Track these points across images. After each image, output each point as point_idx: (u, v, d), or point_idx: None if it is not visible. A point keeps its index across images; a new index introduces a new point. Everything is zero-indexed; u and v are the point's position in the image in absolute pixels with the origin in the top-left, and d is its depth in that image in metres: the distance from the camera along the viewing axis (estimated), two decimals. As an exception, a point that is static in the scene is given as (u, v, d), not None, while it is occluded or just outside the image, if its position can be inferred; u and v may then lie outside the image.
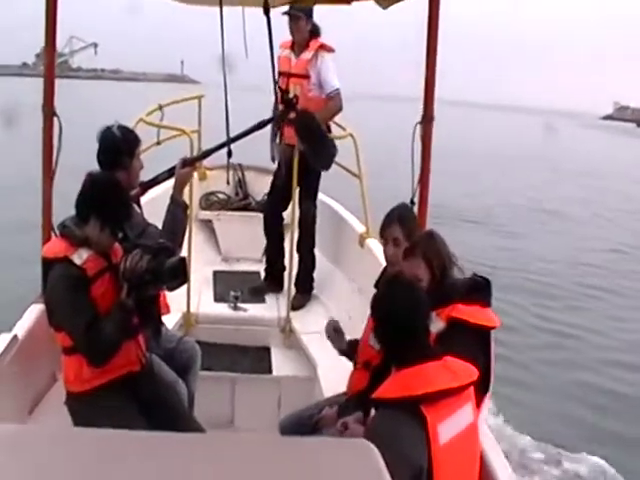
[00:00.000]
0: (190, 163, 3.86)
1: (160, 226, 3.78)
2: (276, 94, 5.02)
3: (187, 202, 3.91)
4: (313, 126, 4.23)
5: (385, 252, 3.52)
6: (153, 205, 4.25)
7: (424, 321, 2.63)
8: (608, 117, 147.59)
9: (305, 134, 4.32)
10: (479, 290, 3.04)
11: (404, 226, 3.42)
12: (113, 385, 3.39)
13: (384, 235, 3.49)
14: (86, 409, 3.40)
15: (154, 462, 1.53)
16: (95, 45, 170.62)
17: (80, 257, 3.26)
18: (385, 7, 4.52)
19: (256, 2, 3.88)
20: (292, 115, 4.40)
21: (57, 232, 3.53)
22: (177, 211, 3.76)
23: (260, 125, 4.26)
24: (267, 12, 3.48)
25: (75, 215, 3.36)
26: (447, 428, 2.46)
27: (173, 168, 3.92)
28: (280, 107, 5.47)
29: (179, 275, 3.31)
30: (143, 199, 4.11)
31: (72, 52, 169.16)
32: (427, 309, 2.67)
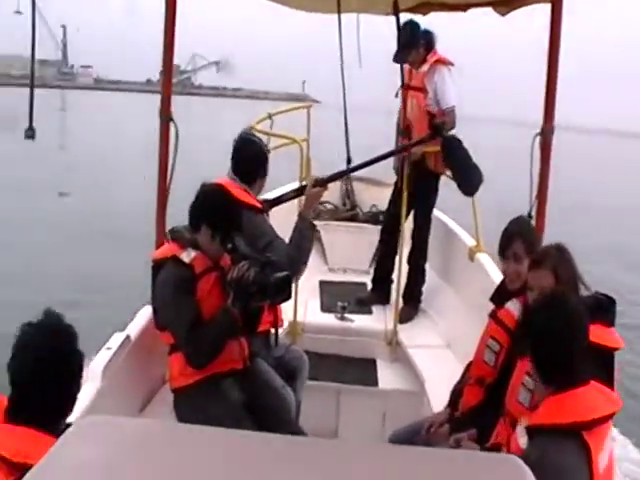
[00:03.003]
0: (321, 183, 3.88)
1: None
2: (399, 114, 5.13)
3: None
4: (460, 152, 4.19)
5: (505, 268, 3.35)
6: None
7: (585, 342, 2.45)
8: None
9: (452, 160, 4.29)
10: (602, 309, 2.88)
11: (525, 240, 3.28)
12: (216, 379, 3.45)
13: (505, 251, 3.32)
14: (190, 402, 3.48)
15: (270, 464, 1.49)
16: (217, 63, 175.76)
17: (188, 255, 3.41)
18: (504, 14, 4.43)
19: (385, 5, 3.86)
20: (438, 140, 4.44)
21: (169, 238, 3.66)
22: (305, 229, 3.80)
23: (384, 156, 4.31)
24: (397, 12, 3.46)
25: (188, 224, 3.49)
26: (603, 457, 2.30)
27: (299, 188, 4.04)
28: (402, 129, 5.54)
29: (284, 290, 3.35)
30: None
31: (195, 70, 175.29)
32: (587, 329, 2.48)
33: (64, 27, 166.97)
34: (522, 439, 2.39)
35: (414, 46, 5.48)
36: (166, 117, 4.22)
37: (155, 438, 1.59)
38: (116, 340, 3.69)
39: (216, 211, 3.42)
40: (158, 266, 3.51)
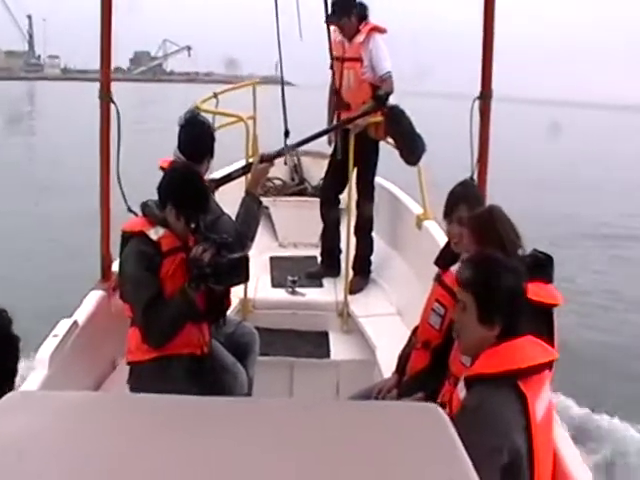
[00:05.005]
0: (268, 159, 3.88)
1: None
2: (332, 87, 5.10)
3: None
4: (404, 122, 4.21)
5: (449, 231, 3.41)
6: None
7: (521, 290, 2.49)
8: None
9: (396, 130, 4.31)
10: (540, 266, 2.93)
11: (469, 204, 3.31)
12: (173, 360, 3.45)
13: (448, 214, 3.37)
14: (143, 377, 3.48)
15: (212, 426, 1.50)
16: (189, 48, 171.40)
17: (156, 233, 3.39)
18: None
19: None
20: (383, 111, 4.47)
21: (136, 212, 3.68)
22: (252, 204, 3.80)
23: (328, 130, 4.28)
24: None
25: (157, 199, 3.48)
26: (539, 406, 2.35)
27: (246, 166, 4.02)
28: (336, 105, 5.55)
29: (238, 273, 3.33)
30: None
31: (165, 55, 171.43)
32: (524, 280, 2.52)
33: (30, 17, 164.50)
34: (462, 392, 2.43)
35: (348, 11, 5.46)
36: (106, 97, 4.17)
37: (80, 407, 1.59)
38: (63, 327, 3.66)
39: (182, 191, 3.40)
40: (126, 238, 3.50)
